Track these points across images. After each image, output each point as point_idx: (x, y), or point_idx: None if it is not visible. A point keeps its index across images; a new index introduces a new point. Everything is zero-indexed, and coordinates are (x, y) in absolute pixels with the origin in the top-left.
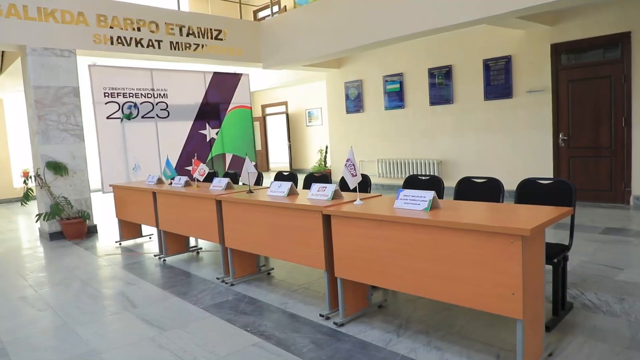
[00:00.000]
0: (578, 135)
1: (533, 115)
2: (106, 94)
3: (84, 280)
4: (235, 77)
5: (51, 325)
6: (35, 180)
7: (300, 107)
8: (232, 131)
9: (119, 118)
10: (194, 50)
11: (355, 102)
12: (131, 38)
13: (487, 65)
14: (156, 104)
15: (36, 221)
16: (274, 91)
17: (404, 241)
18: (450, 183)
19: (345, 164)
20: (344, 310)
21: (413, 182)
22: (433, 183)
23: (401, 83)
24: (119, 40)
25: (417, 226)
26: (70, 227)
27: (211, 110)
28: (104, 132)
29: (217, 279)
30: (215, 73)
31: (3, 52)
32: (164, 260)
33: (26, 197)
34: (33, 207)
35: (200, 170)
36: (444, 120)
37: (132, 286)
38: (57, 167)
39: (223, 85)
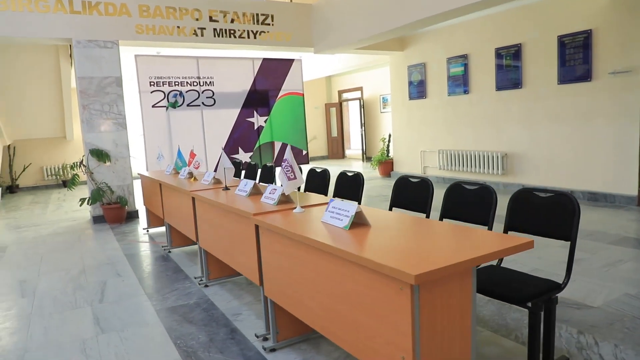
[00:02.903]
0: None
1: (616, 102)
2: (152, 83)
3: (83, 268)
4: (287, 63)
5: (14, 314)
6: (79, 166)
7: (375, 93)
8: (282, 119)
9: (164, 106)
10: (239, 36)
11: (418, 88)
12: (173, 27)
13: (563, 42)
14: (202, 92)
15: (80, 205)
16: (350, 76)
17: (311, 266)
18: (514, 179)
19: (282, 165)
20: (276, 334)
21: (403, 184)
22: (422, 186)
23: (466, 66)
24: (161, 30)
25: (319, 251)
26: (110, 211)
27: (260, 98)
28: (149, 120)
29: (195, 278)
30: (264, 59)
31: (70, 45)
32: (169, 251)
33: (72, 182)
34: None
35: (196, 163)
36: (511, 107)
37: (118, 278)
38: (99, 155)
39: (273, 72)
